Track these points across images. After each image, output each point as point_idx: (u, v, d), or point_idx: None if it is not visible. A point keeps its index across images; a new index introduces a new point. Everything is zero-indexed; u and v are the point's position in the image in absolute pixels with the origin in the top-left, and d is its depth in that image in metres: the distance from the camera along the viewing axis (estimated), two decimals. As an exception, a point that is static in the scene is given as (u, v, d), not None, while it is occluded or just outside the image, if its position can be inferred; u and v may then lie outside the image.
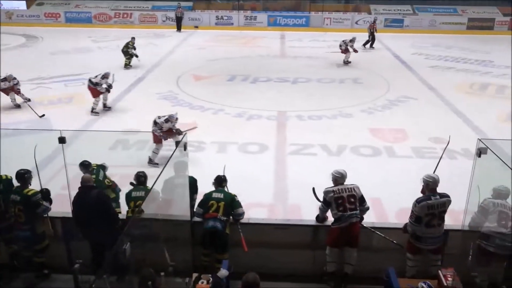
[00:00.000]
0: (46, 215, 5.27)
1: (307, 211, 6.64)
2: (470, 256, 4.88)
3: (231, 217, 5.30)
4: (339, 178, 5.14)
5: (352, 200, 5.06)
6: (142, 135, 9.15)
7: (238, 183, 6.77)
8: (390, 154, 8.95)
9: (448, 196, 4.88)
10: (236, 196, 5.34)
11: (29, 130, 8.96)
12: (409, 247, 5.06)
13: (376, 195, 6.73)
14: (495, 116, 11.03)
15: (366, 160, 8.62)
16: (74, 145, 6.15)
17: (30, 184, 5.24)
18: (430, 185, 4.84)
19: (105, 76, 11.18)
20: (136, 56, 15.58)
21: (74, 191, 5.17)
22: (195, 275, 4.67)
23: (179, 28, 23.50)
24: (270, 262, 5.27)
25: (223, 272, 4.48)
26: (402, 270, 5.06)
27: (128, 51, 15.53)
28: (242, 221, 5.36)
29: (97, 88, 10.99)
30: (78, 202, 5.04)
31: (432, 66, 16.49)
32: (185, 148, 4.93)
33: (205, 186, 5.53)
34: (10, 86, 11.26)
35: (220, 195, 5.25)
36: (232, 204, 5.24)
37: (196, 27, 24.48)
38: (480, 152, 5.09)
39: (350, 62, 16.41)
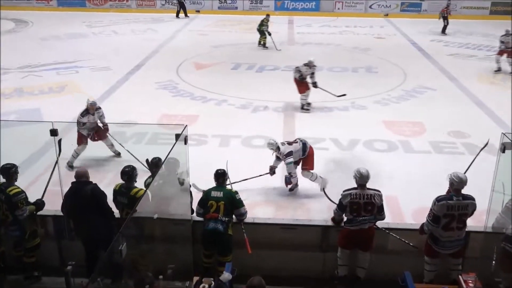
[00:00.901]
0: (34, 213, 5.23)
1: (316, 210, 6.67)
2: (494, 260, 4.84)
3: (234, 216, 5.27)
4: (358, 179, 5.04)
5: (370, 208, 4.99)
6: (139, 128, 9.14)
7: (240, 177, 6.80)
8: (407, 149, 8.91)
9: (473, 199, 4.80)
10: (237, 194, 5.30)
11: (19, 122, 8.97)
12: (426, 250, 5.02)
13: (391, 193, 6.68)
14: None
15: (381, 156, 8.59)
16: (67, 138, 6.14)
17: (16, 180, 5.17)
18: (455, 184, 4.78)
19: (309, 65, 10.57)
20: (269, 34, 16.41)
21: (67, 187, 5.16)
22: (196, 278, 4.66)
23: (185, 14, 23.15)
24: (276, 265, 5.27)
25: (226, 276, 4.47)
26: (419, 274, 5.04)
27: (263, 30, 16.40)
28: (247, 220, 5.34)
29: (305, 81, 10.52)
30: (72, 197, 5.03)
31: (452, 54, 16.40)
32: (185, 142, 4.91)
33: (207, 183, 5.51)
34: (96, 125, 8.04)
35: (219, 194, 5.20)
36: (232, 203, 5.19)
37: (198, 11, 24.42)
38: (504, 147, 5.04)
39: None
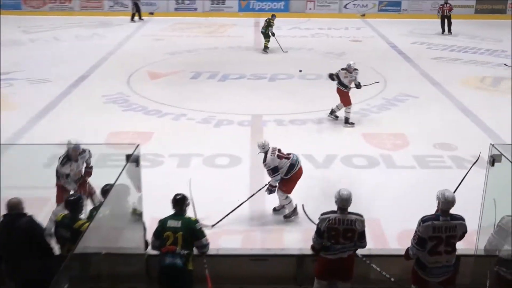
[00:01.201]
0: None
1: (291, 239, 6.65)
2: (487, 286, 4.90)
3: (194, 248, 5.20)
4: (338, 201, 5.00)
5: (349, 235, 4.97)
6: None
7: (204, 205, 6.73)
8: (389, 165, 9.02)
9: (462, 219, 4.80)
10: (197, 223, 5.20)
11: None
12: (413, 278, 5.05)
13: (373, 215, 6.73)
14: (510, 115, 11.22)
15: (360, 173, 8.66)
16: (-2, 162, 5.98)
17: None
18: (441, 204, 4.80)
19: (348, 70, 10.50)
20: (273, 34, 16.87)
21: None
22: (151, 322, 4.57)
23: (140, 17, 23.10)
24: (245, 302, 5.21)
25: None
26: (406, 306, 5.06)
27: (268, 33, 16.83)
28: (210, 252, 5.28)
29: (346, 89, 10.47)
30: (3, 234, 4.88)
31: (435, 57, 16.78)
32: (137, 164, 4.85)
33: (164, 211, 5.43)
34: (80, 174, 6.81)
35: (176, 224, 5.09)
36: (193, 233, 5.10)
37: (152, 13, 24.37)
38: (493, 160, 5.16)
39: None
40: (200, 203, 6.49)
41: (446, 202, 4.76)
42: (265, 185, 7.13)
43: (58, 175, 6.61)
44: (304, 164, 8.87)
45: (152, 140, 9.86)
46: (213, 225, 6.79)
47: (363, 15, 24.57)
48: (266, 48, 17.20)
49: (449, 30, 20.76)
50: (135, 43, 18.87)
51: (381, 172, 8.77)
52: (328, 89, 13.22)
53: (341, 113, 10.94)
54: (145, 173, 5.20)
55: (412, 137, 10.11)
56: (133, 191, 5.05)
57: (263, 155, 6.97)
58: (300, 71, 14.76)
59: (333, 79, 10.77)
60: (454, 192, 4.95)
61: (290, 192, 7.07)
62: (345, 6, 25.15)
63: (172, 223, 5.11)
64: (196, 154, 9.29)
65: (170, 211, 5.31)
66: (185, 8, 25.17)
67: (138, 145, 4.64)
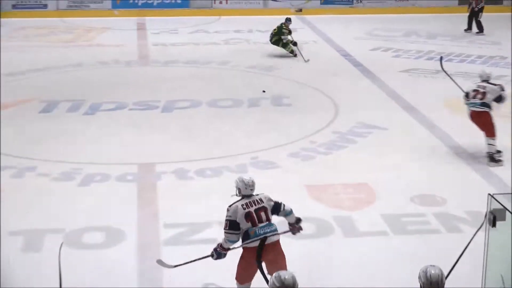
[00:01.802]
0: None
1: None
2: None
3: None
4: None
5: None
6: None
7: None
8: (348, 231, 9.09)
9: None
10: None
11: None
12: None
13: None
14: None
15: (305, 245, 8.63)
16: None
17: None
18: (423, 286, 4.87)
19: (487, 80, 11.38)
20: (294, 44, 18.69)
21: None
22: None
23: None
24: None
25: None
26: None
27: (284, 40, 18.47)
28: None
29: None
30: None
31: (406, 69, 17.39)
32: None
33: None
34: None
35: None
36: None
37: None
38: (494, 218, 5.27)
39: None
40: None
41: (429, 283, 4.84)
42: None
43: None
44: (220, 233, 8.84)
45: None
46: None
47: (300, 11, 25.34)
48: (292, 53, 18.78)
49: (479, 28, 21.83)
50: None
51: (337, 242, 8.80)
52: (251, 120, 13.48)
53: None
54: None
55: (380, 188, 10.24)
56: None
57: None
58: (264, 91, 15.14)
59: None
60: (448, 274, 5.02)
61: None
62: (273, -1, 25.52)
63: None
64: (52, 229, 9.03)
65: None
66: (28, 5, 24.85)
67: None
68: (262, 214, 6.88)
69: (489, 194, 5.45)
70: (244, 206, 6.83)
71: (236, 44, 20.66)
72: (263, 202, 6.97)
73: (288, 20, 18.91)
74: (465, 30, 22.33)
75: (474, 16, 22.05)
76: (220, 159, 11.40)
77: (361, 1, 25.79)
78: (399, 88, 15.58)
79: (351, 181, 10.60)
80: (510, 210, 5.35)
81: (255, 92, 15.37)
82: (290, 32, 18.68)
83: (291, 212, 7.28)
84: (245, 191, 6.94)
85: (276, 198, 9.52)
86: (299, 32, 21.96)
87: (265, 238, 6.76)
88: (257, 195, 7.09)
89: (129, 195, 10.25)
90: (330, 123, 13.22)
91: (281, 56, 18.79)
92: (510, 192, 9.18)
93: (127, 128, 13.08)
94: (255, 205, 6.90)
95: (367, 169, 11.06)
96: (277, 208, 7.11)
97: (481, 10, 21.96)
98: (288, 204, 9.44)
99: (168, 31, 22.07)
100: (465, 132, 12.58)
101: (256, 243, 6.72)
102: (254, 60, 18.46)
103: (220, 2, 25.69)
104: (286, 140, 12.34)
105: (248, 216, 6.79)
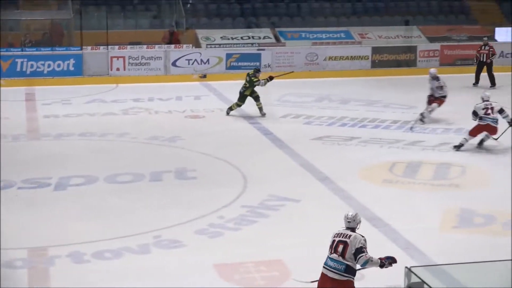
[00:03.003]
0: None
1: None
2: None
3: None
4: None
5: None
6: None
7: None
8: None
9: None
10: None
11: None
12: None
13: None
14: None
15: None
16: None
17: None
18: None
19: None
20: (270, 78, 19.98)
21: None
22: None
23: None
24: None
25: None
26: None
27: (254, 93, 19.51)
28: None
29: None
30: None
31: (319, 137, 17.41)
32: None
33: None
34: None
35: None
36: None
37: None
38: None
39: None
40: None
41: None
42: None
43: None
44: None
45: None
46: None
47: (204, 76, 25.44)
48: (261, 112, 19.62)
49: (491, 81, 22.75)
50: None
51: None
52: (154, 195, 13.19)
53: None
54: None
55: (294, 265, 10.02)
56: None
57: None
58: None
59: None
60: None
61: None
62: (174, 63, 25.59)
63: None
64: None
65: None
66: None
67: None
68: (340, 246, 7.54)
69: (406, 267, 5.85)
70: (336, 233, 7.72)
71: (136, 114, 20.48)
72: (349, 238, 7.56)
73: (257, 71, 19.88)
74: (474, 84, 23.47)
75: (482, 70, 23.18)
76: (119, 239, 11.04)
77: (268, 66, 25.90)
78: (311, 158, 15.57)
79: (262, 257, 10.40)
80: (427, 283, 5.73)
81: (156, 165, 15.20)
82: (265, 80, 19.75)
83: (363, 264, 7.65)
84: (346, 223, 7.77)
85: (181, 280, 9.57)
86: (203, 99, 22.09)
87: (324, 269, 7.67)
88: (354, 232, 7.78)
89: (19, 283, 9.72)
90: (239, 196, 13.12)
91: (185, 126, 18.74)
92: (428, 264, 9.40)
93: (15, 209, 12.48)
94: (343, 237, 7.58)
95: (280, 244, 10.90)
96: (355, 254, 7.51)
97: (492, 61, 23.12)
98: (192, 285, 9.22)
99: (61, 101, 21.67)
100: (383, 202, 12.83)
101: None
102: (156, 131, 18.27)
103: (118, 69, 25.36)
104: (191, 216, 12.11)
105: (331, 243, 7.67)
